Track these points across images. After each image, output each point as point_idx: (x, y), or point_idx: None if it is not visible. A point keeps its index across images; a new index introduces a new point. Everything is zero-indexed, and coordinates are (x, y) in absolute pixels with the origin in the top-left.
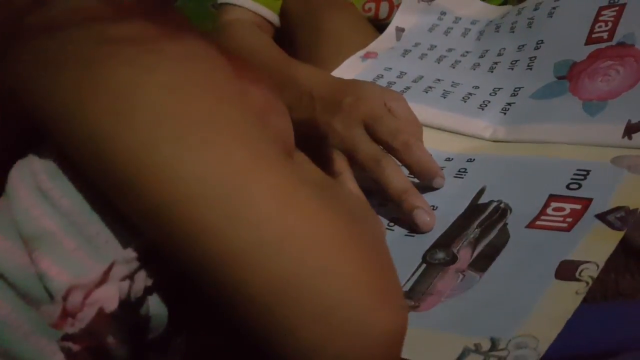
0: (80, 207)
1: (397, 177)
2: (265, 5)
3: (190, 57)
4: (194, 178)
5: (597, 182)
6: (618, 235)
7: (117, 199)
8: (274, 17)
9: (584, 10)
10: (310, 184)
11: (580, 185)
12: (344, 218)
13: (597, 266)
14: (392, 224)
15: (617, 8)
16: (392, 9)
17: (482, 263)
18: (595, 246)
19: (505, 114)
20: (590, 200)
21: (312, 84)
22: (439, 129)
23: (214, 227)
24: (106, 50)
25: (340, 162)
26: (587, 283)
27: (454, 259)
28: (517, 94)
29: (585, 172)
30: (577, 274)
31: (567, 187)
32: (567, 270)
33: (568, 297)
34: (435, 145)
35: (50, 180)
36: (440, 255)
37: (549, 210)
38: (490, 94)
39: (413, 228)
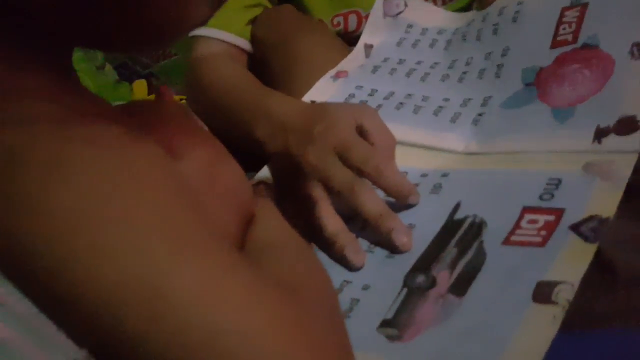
0: (36, 310)
1: (371, 201)
2: (236, 33)
3: (113, 149)
4: (114, 285)
5: (569, 191)
6: (592, 249)
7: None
8: (246, 44)
9: (547, 12)
10: (252, 255)
11: (552, 196)
12: (283, 303)
13: (573, 286)
14: (372, 246)
15: (579, 8)
16: (361, 21)
17: (461, 286)
18: (570, 263)
19: (476, 125)
20: (562, 210)
21: (284, 115)
22: (413, 145)
23: (138, 335)
24: (18, 162)
25: (317, 192)
26: (564, 307)
27: (433, 282)
28: (487, 103)
29: (557, 182)
30: (553, 297)
31: (540, 197)
32: (543, 293)
33: (546, 324)
34: (410, 163)
35: (4, 287)
36: (421, 278)
37: (523, 223)
38: (460, 105)
39: (393, 250)
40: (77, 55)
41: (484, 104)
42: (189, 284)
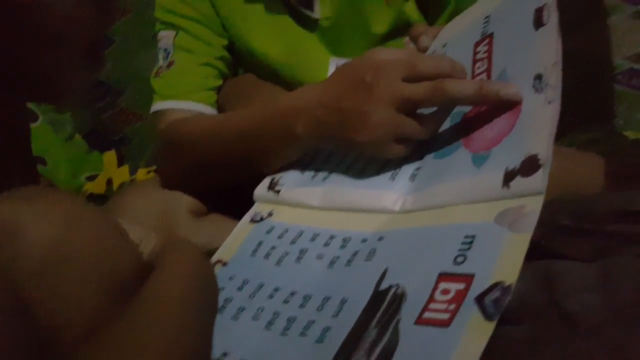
0: None
1: (461, 84)
2: (201, 101)
3: None
4: None
5: (480, 250)
6: (490, 327)
7: None
8: (212, 111)
9: (464, 51)
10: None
11: (465, 258)
12: None
13: None
14: (306, 329)
15: (487, 40)
16: None
17: None
18: (469, 348)
19: (413, 181)
20: (472, 276)
21: (316, 92)
22: (355, 210)
23: None
24: None
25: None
26: None
27: None
28: (424, 157)
29: (471, 239)
30: None
31: (455, 260)
32: None
33: None
34: (352, 227)
35: None
36: None
37: (437, 295)
38: (401, 162)
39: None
40: (45, 127)
41: (421, 157)
42: None
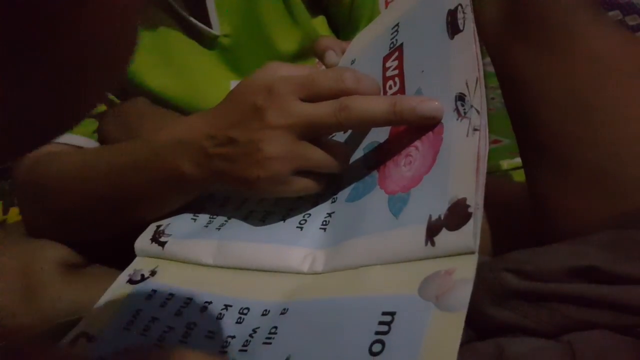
0: None
1: (370, 101)
2: (77, 133)
3: None
4: None
5: (402, 334)
6: None
7: None
8: (89, 143)
9: (374, 68)
10: None
11: (383, 346)
12: None
13: None
14: None
15: (397, 53)
16: None
17: None
18: None
19: (325, 230)
20: None
21: (188, 135)
22: (260, 270)
23: None
24: None
25: (302, 184)
26: None
27: None
28: (336, 199)
29: (390, 317)
30: None
31: (370, 351)
32: None
33: None
34: (254, 295)
35: None
36: None
37: None
38: (312, 204)
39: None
40: None
41: (334, 200)
42: None
